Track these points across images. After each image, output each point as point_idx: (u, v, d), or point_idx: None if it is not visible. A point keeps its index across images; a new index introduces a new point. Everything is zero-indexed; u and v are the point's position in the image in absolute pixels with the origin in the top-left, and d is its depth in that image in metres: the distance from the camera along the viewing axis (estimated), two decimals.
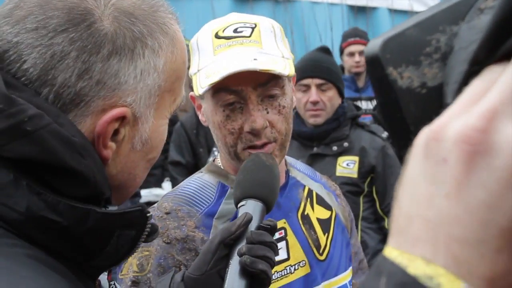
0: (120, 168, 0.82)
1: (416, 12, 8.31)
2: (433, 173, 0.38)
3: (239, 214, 1.14)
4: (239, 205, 1.17)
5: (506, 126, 0.35)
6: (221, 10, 6.53)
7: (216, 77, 1.23)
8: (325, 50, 2.97)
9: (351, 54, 4.85)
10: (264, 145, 1.29)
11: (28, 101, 0.72)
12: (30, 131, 0.70)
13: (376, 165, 2.95)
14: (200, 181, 1.41)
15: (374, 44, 0.47)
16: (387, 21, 8.45)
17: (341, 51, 4.95)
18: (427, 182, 0.38)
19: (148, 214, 0.82)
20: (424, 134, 0.39)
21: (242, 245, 1.09)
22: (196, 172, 1.47)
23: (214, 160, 1.45)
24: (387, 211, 2.99)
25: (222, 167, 1.42)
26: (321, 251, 1.42)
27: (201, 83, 1.27)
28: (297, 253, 1.39)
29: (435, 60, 0.46)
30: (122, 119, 0.78)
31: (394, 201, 0.41)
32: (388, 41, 0.47)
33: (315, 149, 2.99)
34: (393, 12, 8.83)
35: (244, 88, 1.26)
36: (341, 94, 2.96)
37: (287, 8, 7.06)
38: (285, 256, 1.37)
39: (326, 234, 1.45)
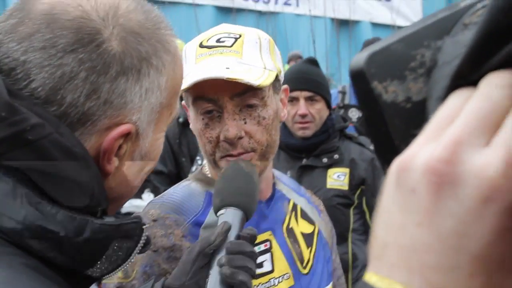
0: (119, 181, 0.84)
1: (398, 26, 8.44)
2: (404, 202, 0.40)
3: (219, 223, 1.14)
4: (218, 214, 1.17)
5: (471, 156, 0.37)
6: (204, 21, 6.54)
7: (186, 84, 1.23)
8: (312, 62, 2.99)
9: None
10: (240, 154, 1.29)
11: (29, 110, 0.72)
12: (31, 140, 0.71)
13: (366, 177, 2.96)
14: (188, 189, 1.41)
15: (359, 58, 0.48)
16: (369, 35, 8.57)
17: None
18: (399, 211, 0.40)
19: (144, 226, 0.84)
20: (395, 164, 0.41)
21: (222, 256, 1.09)
22: (183, 180, 1.47)
23: (201, 169, 1.46)
24: None
25: (209, 175, 1.42)
26: (304, 265, 1.43)
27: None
28: (282, 266, 1.39)
29: (420, 75, 0.47)
30: (126, 135, 0.80)
31: (372, 227, 0.43)
32: (373, 56, 0.47)
33: (304, 161, 2.99)
34: (375, 25, 8.95)
35: (220, 97, 1.27)
36: (328, 106, 2.98)
37: (270, 19, 7.10)
38: (270, 268, 1.37)
39: (310, 248, 1.46)
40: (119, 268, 0.82)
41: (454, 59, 0.44)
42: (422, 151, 0.40)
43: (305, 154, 2.99)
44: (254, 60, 1.30)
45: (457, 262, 0.37)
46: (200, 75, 1.22)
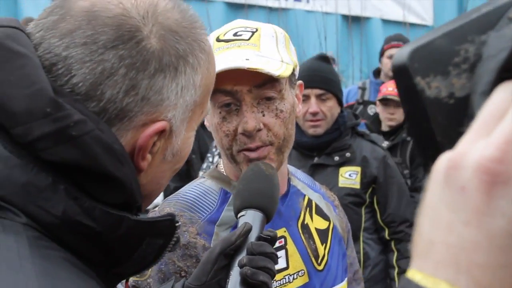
0: (150, 178, 0.84)
1: (410, 23, 8.41)
2: (453, 201, 0.40)
3: (239, 225, 1.15)
4: (239, 215, 1.18)
5: None
6: (215, 17, 6.55)
7: None
8: (323, 59, 2.97)
9: (391, 57, 4.88)
10: (258, 148, 1.30)
11: (72, 106, 0.73)
12: (75, 136, 0.72)
13: (378, 175, 2.96)
14: (202, 187, 1.41)
15: (402, 53, 0.48)
16: (380, 32, 8.54)
17: (382, 53, 5.03)
18: (447, 209, 0.40)
19: (177, 224, 0.84)
20: (444, 162, 0.41)
21: (243, 256, 1.09)
22: (198, 178, 1.48)
23: (217, 166, 1.46)
24: (387, 221, 3.00)
25: (224, 172, 1.43)
26: (319, 261, 1.43)
27: None
28: (296, 262, 1.39)
29: (464, 71, 0.47)
30: (160, 132, 0.81)
31: (414, 224, 0.43)
32: (416, 51, 0.47)
33: (316, 159, 2.98)
34: (386, 22, 8.92)
35: (238, 89, 1.28)
36: (340, 103, 2.97)
37: (281, 16, 7.11)
38: (284, 265, 1.38)
39: (324, 245, 1.46)
40: (150, 266, 0.83)
41: (499, 52, 0.44)
42: (473, 149, 0.40)
43: (316, 152, 2.99)
44: (271, 53, 1.30)
45: (505, 261, 0.38)
46: (219, 67, 1.22)
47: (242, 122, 1.28)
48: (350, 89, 5.31)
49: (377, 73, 5.14)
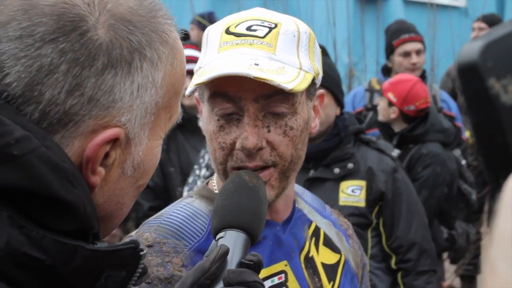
0: (108, 196, 0.85)
1: (436, 4, 8.33)
2: None
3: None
4: (217, 237, 1.15)
5: None
6: (200, 7, 6.52)
7: (204, 77, 1.23)
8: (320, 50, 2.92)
9: (406, 54, 4.78)
10: (257, 169, 1.28)
11: (12, 121, 0.73)
12: (17, 155, 0.72)
13: (386, 191, 2.92)
14: (190, 208, 1.40)
15: (471, 49, 0.46)
16: (401, 15, 8.47)
17: (391, 50, 4.89)
18: None
19: (142, 253, 0.84)
20: None
21: None
22: (185, 196, 1.47)
23: (207, 183, 1.45)
24: (394, 247, 2.97)
25: (216, 190, 1.41)
26: None
27: (192, 81, 1.29)
28: None
29: None
30: (114, 141, 0.81)
31: (481, 261, 0.41)
32: (489, 46, 0.45)
33: (311, 172, 2.94)
34: (408, 4, 8.85)
35: (242, 97, 1.27)
36: (339, 103, 2.91)
37: (280, 0, 7.03)
38: None
39: (332, 283, 1.44)
40: None
41: None
42: None
43: (312, 163, 2.93)
44: (289, 57, 1.29)
45: None
46: (222, 69, 1.22)
47: (242, 137, 1.27)
48: (355, 91, 5.17)
49: (386, 70, 5.01)
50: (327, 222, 1.52)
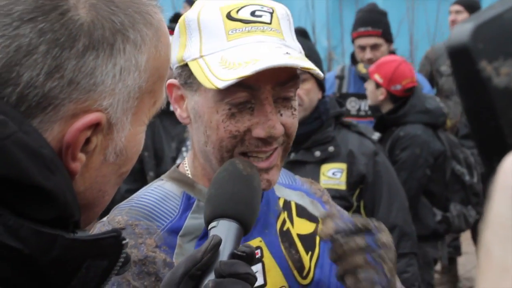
0: (89, 184, 0.83)
1: None
2: None
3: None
4: (209, 227, 1.14)
5: None
6: None
7: (248, 70, 1.21)
8: (301, 33, 2.95)
9: (362, 48, 4.69)
10: (274, 150, 1.30)
11: None
12: None
13: (366, 174, 2.93)
14: (161, 190, 1.39)
15: (462, 31, 0.45)
16: (379, 0, 8.46)
17: (352, 40, 4.83)
18: None
19: (124, 242, 0.83)
20: None
21: (209, 280, 1.05)
22: (156, 180, 1.46)
23: (179, 166, 1.44)
24: None
25: (189, 174, 1.41)
26: (304, 274, 1.42)
27: (219, 74, 1.25)
28: (276, 278, 1.38)
29: None
30: (95, 126, 0.79)
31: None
32: (481, 27, 0.45)
33: (292, 155, 2.95)
34: None
35: (262, 86, 1.26)
36: (321, 87, 2.93)
37: None
38: (261, 282, 1.35)
39: (310, 253, 1.45)
40: None
41: None
42: None
43: (293, 146, 2.92)
44: (292, 42, 1.32)
45: None
46: (265, 62, 1.20)
47: (267, 126, 1.27)
48: (326, 77, 5.09)
49: (354, 59, 4.94)
50: (299, 193, 1.53)
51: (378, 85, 4.04)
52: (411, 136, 3.86)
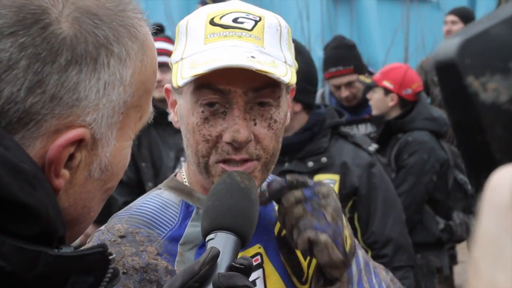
0: (73, 200, 0.82)
1: (411, 0, 8.36)
2: None
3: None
4: (207, 239, 1.15)
5: None
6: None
7: (202, 69, 1.22)
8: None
9: (336, 87, 4.54)
10: (243, 161, 1.28)
11: None
12: None
13: (360, 186, 2.91)
14: (160, 199, 1.39)
15: (448, 46, 0.45)
16: (373, 10, 8.51)
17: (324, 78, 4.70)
18: None
19: (111, 257, 0.82)
20: (508, 179, 0.39)
21: None
22: (153, 189, 1.46)
23: (176, 175, 1.45)
24: (369, 242, 2.96)
25: (186, 182, 1.41)
26: (303, 279, 1.42)
27: (183, 73, 1.26)
28: (276, 283, 1.38)
29: None
30: (78, 142, 0.78)
31: (468, 259, 0.41)
32: (468, 43, 0.44)
33: (286, 165, 2.94)
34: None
35: (232, 90, 1.26)
36: (309, 108, 2.92)
37: None
38: None
39: (308, 258, 1.44)
40: None
41: None
42: None
43: (288, 156, 2.94)
44: (275, 51, 1.30)
45: None
46: (222, 61, 1.20)
47: (232, 130, 1.26)
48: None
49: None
50: None
51: (387, 92, 4.02)
52: (419, 142, 3.87)
